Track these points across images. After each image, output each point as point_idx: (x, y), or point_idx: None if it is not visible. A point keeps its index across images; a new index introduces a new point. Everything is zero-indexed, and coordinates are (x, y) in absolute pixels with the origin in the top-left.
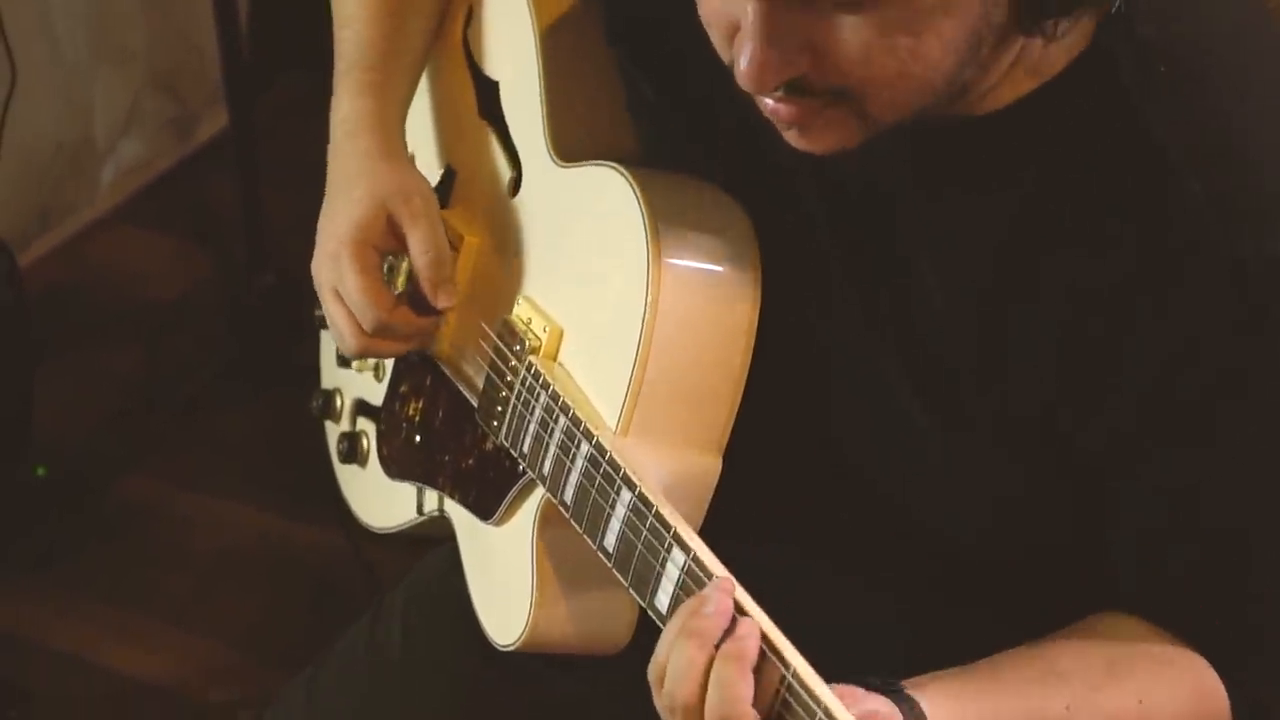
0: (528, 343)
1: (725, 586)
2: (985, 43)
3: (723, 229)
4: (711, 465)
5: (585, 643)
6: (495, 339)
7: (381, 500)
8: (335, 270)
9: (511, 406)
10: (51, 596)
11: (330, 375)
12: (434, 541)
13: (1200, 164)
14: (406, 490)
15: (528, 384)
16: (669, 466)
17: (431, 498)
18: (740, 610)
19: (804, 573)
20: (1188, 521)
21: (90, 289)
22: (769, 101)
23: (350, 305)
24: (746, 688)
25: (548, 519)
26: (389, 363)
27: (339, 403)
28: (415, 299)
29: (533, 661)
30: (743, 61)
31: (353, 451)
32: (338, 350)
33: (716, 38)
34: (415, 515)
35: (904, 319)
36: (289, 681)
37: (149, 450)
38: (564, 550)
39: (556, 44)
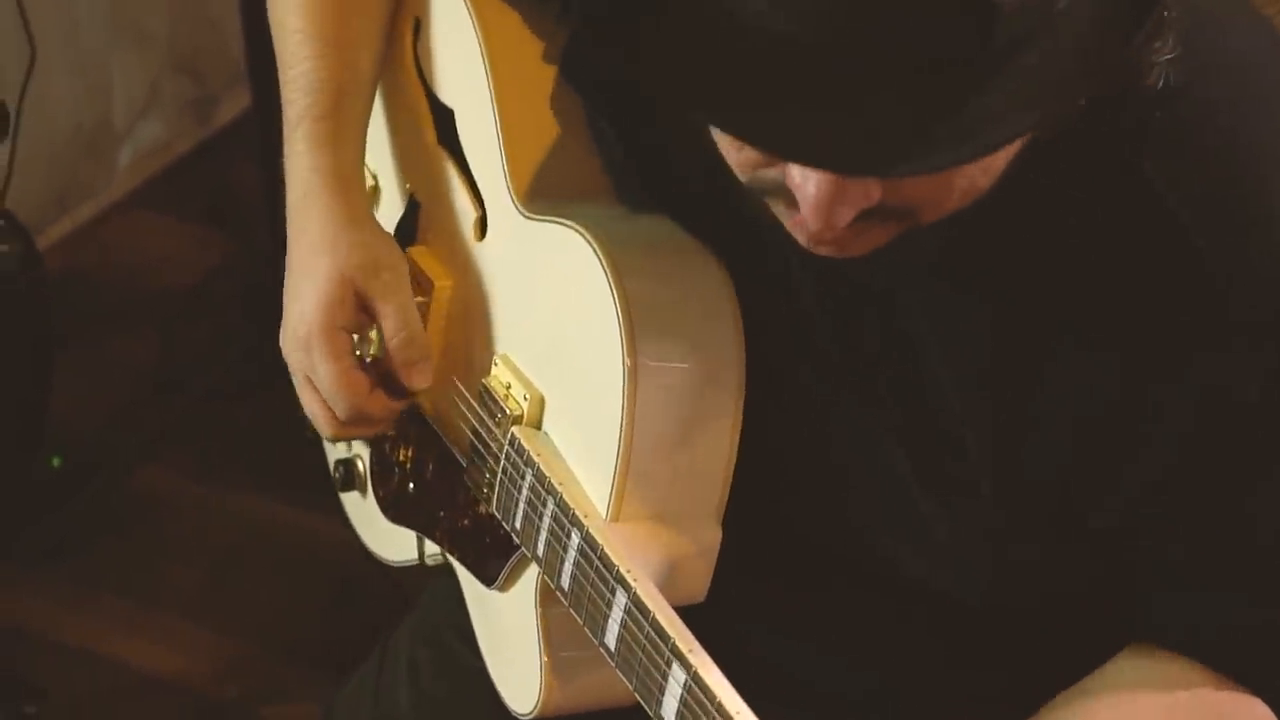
0: (509, 411)
1: None
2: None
3: (703, 299)
4: (712, 536)
5: (603, 704)
6: (474, 405)
7: (384, 533)
8: (306, 358)
9: (499, 479)
10: (63, 589)
11: None
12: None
13: (1211, 222)
14: (407, 531)
15: (512, 458)
16: (669, 546)
17: (433, 545)
18: None
19: (801, 653)
20: (1230, 569)
21: (106, 275)
22: (812, 227)
23: (325, 395)
24: None
25: (549, 596)
26: None
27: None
28: (388, 376)
29: None
30: (811, 193)
31: (350, 478)
32: None
33: (746, 156)
34: (417, 559)
35: (905, 394)
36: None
37: (163, 440)
38: (572, 626)
39: (510, 74)
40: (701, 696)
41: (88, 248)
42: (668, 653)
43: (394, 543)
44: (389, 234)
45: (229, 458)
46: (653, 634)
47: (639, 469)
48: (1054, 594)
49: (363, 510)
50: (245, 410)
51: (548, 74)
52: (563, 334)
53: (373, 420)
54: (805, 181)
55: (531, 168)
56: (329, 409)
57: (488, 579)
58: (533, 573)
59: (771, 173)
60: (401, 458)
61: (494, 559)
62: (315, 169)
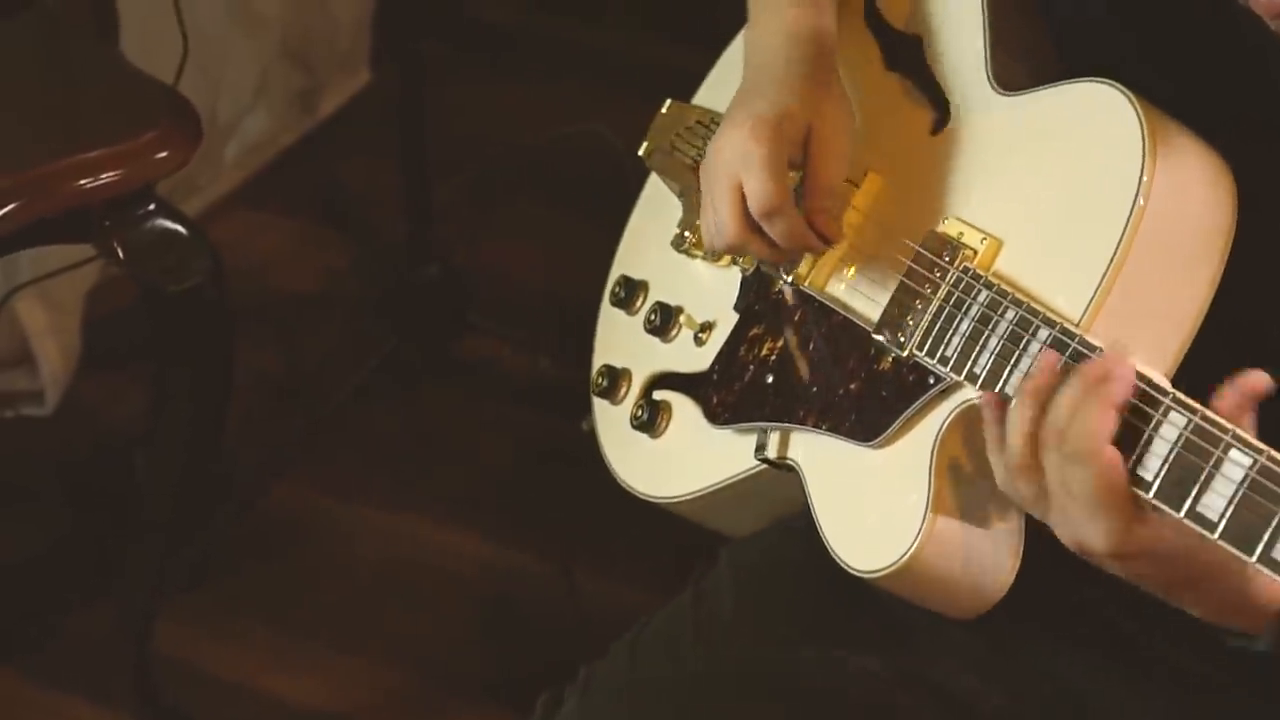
0: (962, 251)
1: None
2: None
3: (1210, 163)
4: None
5: (956, 588)
6: (916, 251)
7: (678, 464)
8: (742, 147)
9: (932, 312)
10: (209, 617)
11: (618, 353)
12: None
13: None
14: (730, 443)
15: (962, 285)
16: None
17: (773, 444)
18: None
19: None
20: None
21: None
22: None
23: (749, 183)
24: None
25: (961, 434)
26: (719, 328)
27: (626, 384)
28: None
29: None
30: None
31: (652, 420)
32: (647, 317)
33: None
34: (747, 465)
35: None
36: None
37: (300, 457)
38: (964, 470)
39: None
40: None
41: None
42: (1166, 402)
43: (690, 471)
44: (851, 108)
45: (368, 472)
46: (1143, 388)
47: (1120, 292)
48: None
49: (644, 451)
50: (381, 420)
51: None
52: (1047, 181)
53: (774, 235)
54: None
55: (1010, 63)
56: (740, 209)
57: (872, 433)
58: (934, 419)
59: None
60: (765, 352)
61: (886, 412)
62: (800, 19)
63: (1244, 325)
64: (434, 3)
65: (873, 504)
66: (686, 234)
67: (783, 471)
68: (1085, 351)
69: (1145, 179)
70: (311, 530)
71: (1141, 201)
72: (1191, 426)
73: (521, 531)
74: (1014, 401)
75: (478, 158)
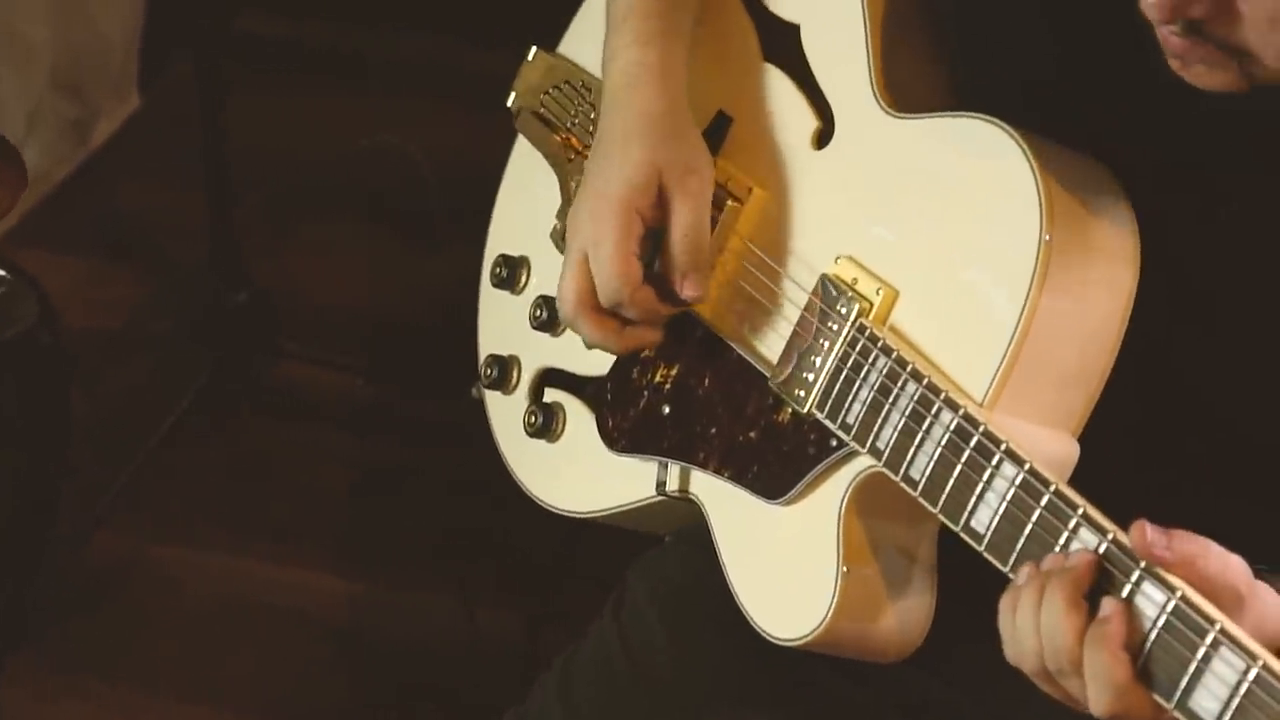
0: (856, 304)
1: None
2: None
3: (1108, 210)
4: (1072, 449)
5: (877, 643)
6: (809, 297)
7: (575, 478)
8: (593, 229)
9: (829, 371)
10: (42, 678)
11: (505, 341)
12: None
13: None
14: (628, 469)
15: (859, 346)
16: (1031, 445)
17: (674, 477)
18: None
19: None
20: None
21: None
22: (1163, 29)
23: (597, 272)
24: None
25: (862, 499)
26: None
27: (516, 373)
28: (659, 281)
29: (815, 664)
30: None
31: (548, 425)
32: (532, 312)
33: None
34: (648, 495)
35: None
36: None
37: (120, 502)
38: (874, 535)
39: None
40: (1121, 554)
41: None
42: (1075, 518)
43: (594, 490)
44: (703, 142)
45: (192, 512)
46: (1055, 502)
47: (1027, 359)
48: None
49: (544, 458)
50: (201, 457)
51: None
52: (944, 228)
53: (627, 314)
54: None
55: (901, 74)
56: (588, 289)
57: (775, 491)
58: (839, 481)
59: None
60: (658, 379)
61: (789, 470)
62: (641, 63)
63: (1147, 366)
64: (202, 18)
65: (783, 567)
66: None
67: (684, 502)
68: (989, 445)
69: (1044, 246)
70: (138, 577)
71: (1041, 274)
72: (1174, 608)
73: (361, 558)
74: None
75: (268, 177)
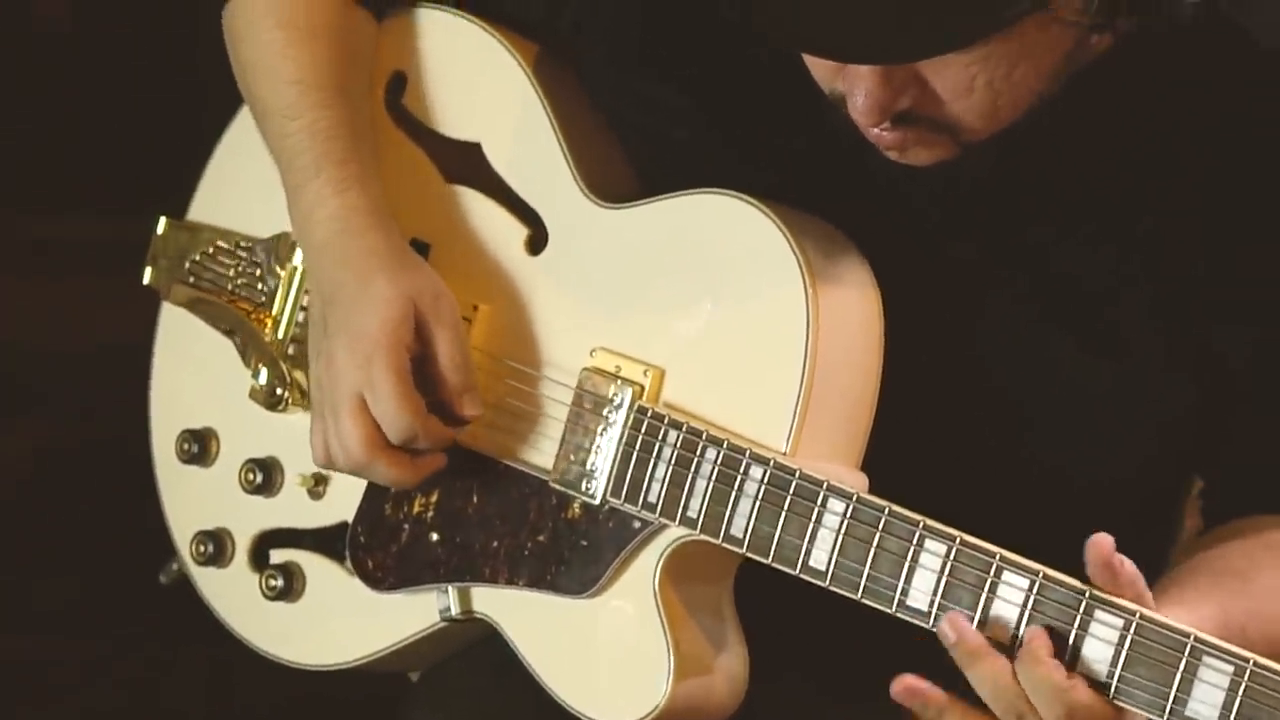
0: (629, 389)
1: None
2: (1077, 57)
3: (843, 252)
4: (863, 480)
5: (714, 704)
6: (574, 393)
7: (342, 630)
8: (365, 373)
9: (616, 457)
10: None
11: (210, 515)
12: None
13: None
14: (399, 604)
15: (645, 428)
16: (837, 480)
17: (455, 600)
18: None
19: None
20: None
21: None
22: (874, 130)
23: (382, 413)
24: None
25: (672, 570)
26: (335, 478)
27: (230, 544)
28: (438, 407)
29: None
30: (859, 99)
31: (289, 587)
32: (243, 478)
33: (820, 71)
34: (429, 624)
35: (1047, 278)
36: None
37: None
38: (688, 601)
39: (557, 91)
40: (971, 551)
41: None
42: (918, 530)
43: (363, 634)
44: (437, 275)
45: None
46: (893, 521)
47: (817, 399)
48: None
49: (289, 619)
50: None
51: (580, 90)
52: (697, 300)
53: (420, 445)
54: (853, 86)
55: (597, 168)
56: (372, 433)
57: (583, 585)
58: (647, 559)
59: (839, 85)
60: (416, 509)
61: (593, 561)
62: (351, 208)
63: (905, 394)
64: None
65: (607, 655)
66: (280, 391)
67: (469, 623)
68: (808, 485)
69: (811, 294)
70: None
71: (814, 320)
72: (1039, 586)
73: None
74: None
75: None
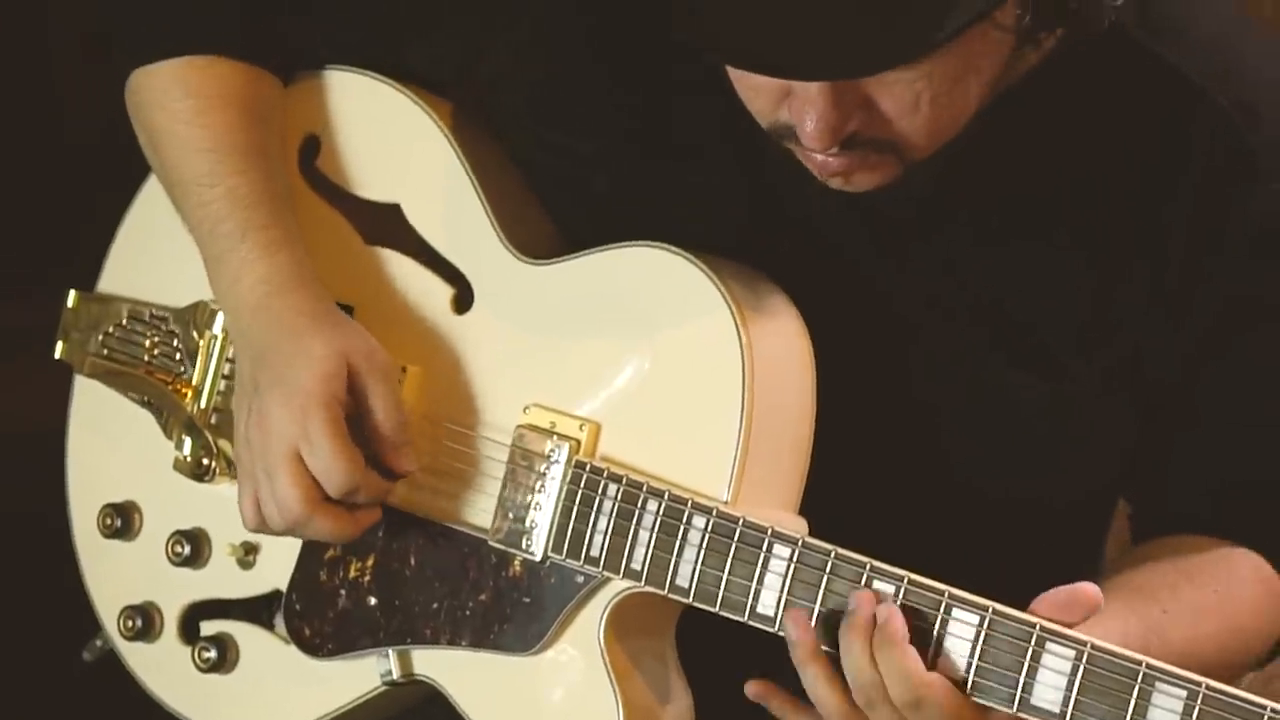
0: (566, 445)
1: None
2: (1007, 75)
3: (762, 284)
4: (803, 524)
5: None
6: (510, 450)
7: (278, 699)
8: (300, 427)
9: (556, 513)
10: None
11: (135, 589)
12: None
13: (1215, 81)
14: (338, 670)
15: (585, 483)
16: (779, 526)
17: (395, 663)
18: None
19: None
20: (1246, 434)
21: None
22: (819, 157)
23: (320, 467)
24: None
25: (616, 623)
26: (269, 546)
27: (158, 618)
28: (373, 461)
29: None
30: (809, 124)
31: (223, 658)
32: (170, 550)
33: (762, 103)
34: (369, 689)
35: (979, 301)
36: None
37: None
38: (632, 652)
39: (475, 148)
40: (922, 589)
41: None
42: (865, 573)
43: (299, 703)
44: (365, 330)
45: None
46: (839, 564)
47: (755, 446)
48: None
49: (224, 692)
50: None
51: (497, 146)
52: (626, 353)
53: (359, 499)
54: (807, 88)
55: (519, 225)
56: (310, 490)
57: (527, 643)
58: (592, 612)
59: (784, 115)
60: (352, 574)
61: (536, 618)
62: (279, 270)
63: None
64: None
65: (552, 713)
66: (207, 462)
67: (410, 685)
68: (753, 532)
69: (745, 342)
70: None
71: (749, 368)
72: (989, 623)
73: None
74: (808, 684)
75: None
